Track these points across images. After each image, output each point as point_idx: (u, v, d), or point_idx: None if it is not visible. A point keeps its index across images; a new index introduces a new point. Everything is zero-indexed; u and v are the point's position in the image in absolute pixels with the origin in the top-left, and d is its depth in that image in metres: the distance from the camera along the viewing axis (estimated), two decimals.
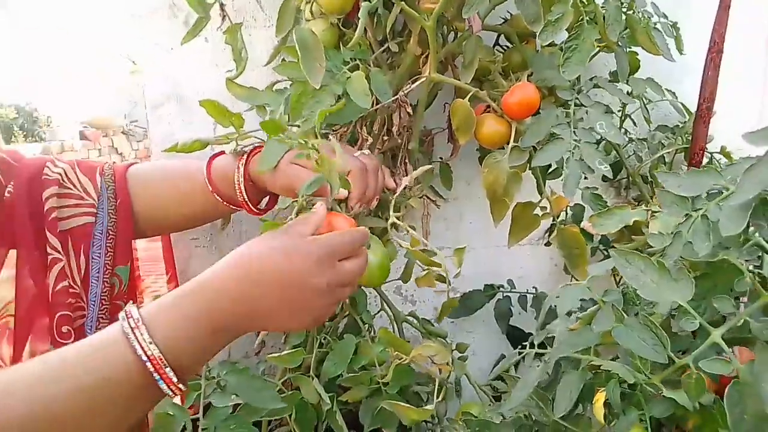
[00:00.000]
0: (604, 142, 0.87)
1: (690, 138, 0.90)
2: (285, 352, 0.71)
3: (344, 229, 0.61)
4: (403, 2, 0.73)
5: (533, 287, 0.99)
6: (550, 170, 0.85)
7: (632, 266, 0.48)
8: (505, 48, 0.91)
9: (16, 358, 0.66)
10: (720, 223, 0.44)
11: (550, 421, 0.56)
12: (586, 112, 0.79)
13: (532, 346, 0.61)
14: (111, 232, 0.71)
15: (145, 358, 0.48)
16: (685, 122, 0.94)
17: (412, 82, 0.79)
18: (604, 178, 1.00)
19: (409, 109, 0.83)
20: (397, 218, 0.75)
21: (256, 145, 0.75)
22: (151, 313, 0.51)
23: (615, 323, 0.48)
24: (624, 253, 0.49)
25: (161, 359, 0.48)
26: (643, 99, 0.91)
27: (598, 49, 0.82)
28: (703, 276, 0.49)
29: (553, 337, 0.58)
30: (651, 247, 0.57)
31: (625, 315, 0.49)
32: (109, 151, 6.69)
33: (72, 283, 0.67)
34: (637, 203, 0.99)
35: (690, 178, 0.48)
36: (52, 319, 0.65)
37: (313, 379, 0.71)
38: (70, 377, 0.47)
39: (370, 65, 0.78)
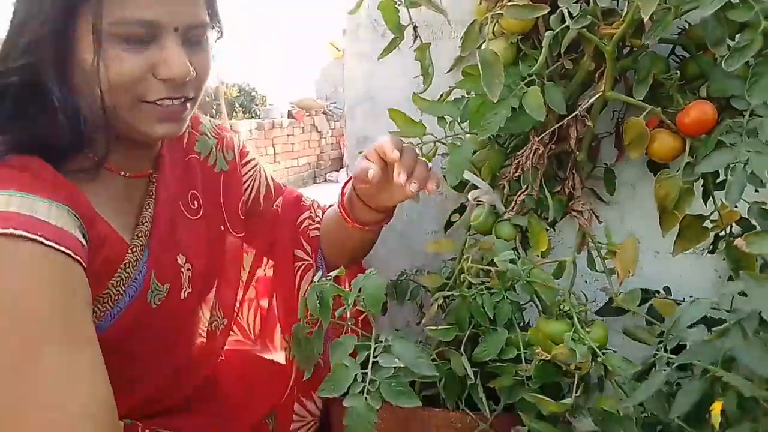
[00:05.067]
0: None
1: None
2: (442, 326, 0.82)
3: None
4: (584, 29, 0.78)
5: (690, 296, 0.98)
6: (719, 180, 0.84)
7: (762, 291, 0.52)
8: (681, 58, 0.91)
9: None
10: None
11: (674, 422, 0.60)
12: (762, 122, 0.77)
13: (665, 350, 0.65)
14: None
15: None
16: None
17: (588, 97, 0.84)
18: None
19: (589, 123, 0.86)
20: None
21: None
22: None
23: (738, 342, 0.52)
24: (755, 277, 0.52)
25: None
26: None
27: None
28: None
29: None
30: None
31: (749, 334, 0.52)
32: (310, 129, 7.42)
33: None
34: None
35: None
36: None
37: (462, 355, 0.81)
38: None
39: (544, 78, 0.85)
